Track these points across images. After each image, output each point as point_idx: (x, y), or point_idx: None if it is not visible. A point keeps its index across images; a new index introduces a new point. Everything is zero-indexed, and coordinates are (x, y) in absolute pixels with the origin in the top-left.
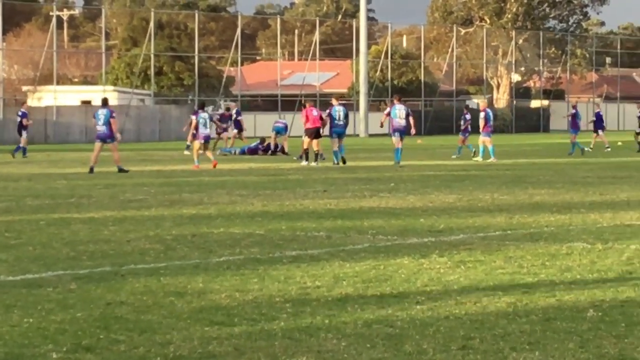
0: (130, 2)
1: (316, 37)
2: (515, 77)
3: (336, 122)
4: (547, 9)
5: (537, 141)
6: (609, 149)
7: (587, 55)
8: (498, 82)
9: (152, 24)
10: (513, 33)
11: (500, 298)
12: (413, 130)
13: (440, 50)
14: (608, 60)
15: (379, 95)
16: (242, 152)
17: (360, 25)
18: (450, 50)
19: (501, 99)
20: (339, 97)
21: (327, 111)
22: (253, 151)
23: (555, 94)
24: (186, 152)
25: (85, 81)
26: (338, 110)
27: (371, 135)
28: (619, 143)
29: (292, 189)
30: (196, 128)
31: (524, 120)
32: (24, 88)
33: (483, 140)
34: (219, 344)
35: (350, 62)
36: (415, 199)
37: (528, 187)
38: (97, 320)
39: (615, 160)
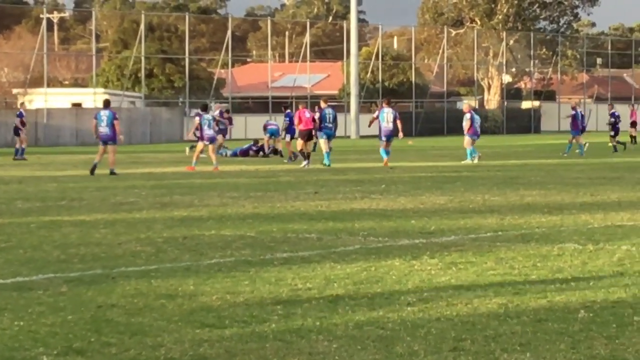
0: (121, 4)
1: (307, 38)
2: (506, 78)
3: (326, 123)
4: (538, 10)
5: (528, 142)
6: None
7: (578, 56)
8: (489, 83)
9: (142, 26)
10: (504, 34)
11: (491, 299)
12: (400, 134)
13: (431, 52)
14: (599, 61)
15: (370, 97)
16: (234, 154)
17: (351, 27)
18: (441, 51)
19: (492, 100)
20: (327, 99)
21: (318, 113)
22: (245, 153)
23: (546, 95)
24: (188, 153)
25: (76, 84)
26: (328, 113)
27: (362, 137)
28: (610, 144)
29: (283, 190)
30: (200, 129)
31: (515, 122)
32: (15, 91)
33: (469, 141)
34: (210, 346)
35: (341, 64)
36: (407, 200)
37: (519, 188)
38: (88, 323)
39: (606, 161)
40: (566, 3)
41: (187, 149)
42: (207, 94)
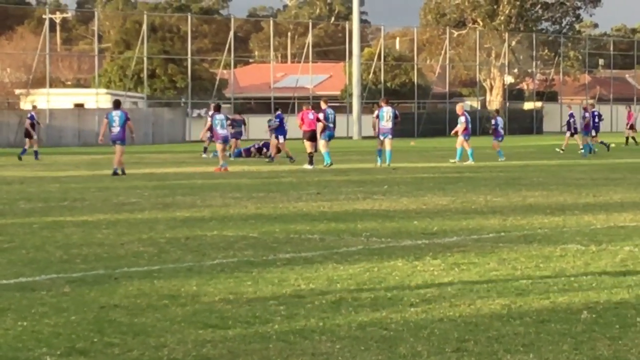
0: (123, 5)
1: (309, 39)
2: (508, 79)
3: (328, 124)
4: (540, 11)
5: (530, 143)
6: (563, 152)
7: (580, 57)
8: (491, 84)
9: (145, 27)
10: (506, 35)
11: (494, 300)
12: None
13: (433, 53)
14: (601, 62)
15: (372, 98)
16: (238, 155)
17: (353, 28)
18: (443, 52)
19: (494, 101)
20: (327, 100)
21: (322, 114)
22: (248, 153)
23: (548, 95)
24: (204, 156)
25: (78, 84)
26: (330, 113)
27: (364, 138)
28: (612, 145)
29: (286, 191)
30: (212, 130)
31: (517, 122)
32: (17, 91)
33: (460, 141)
34: (213, 346)
35: (343, 65)
36: (409, 201)
37: (521, 189)
38: (91, 323)
39: (608, 162)
40: (568, 4)
41: (203, 153)
42: (209, 95)
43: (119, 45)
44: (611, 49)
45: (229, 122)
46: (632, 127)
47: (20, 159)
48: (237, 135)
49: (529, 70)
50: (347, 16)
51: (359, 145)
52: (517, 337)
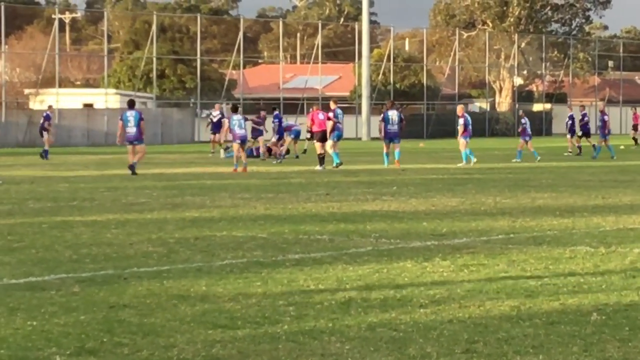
0: (132, 5)
1: (318, 40)
2: (518, 81)
3: (338, 125)
4: (550, 13)
5: (539, 145)
6: (570, 154)
7: (590, 59)
8: (500, 86)
9: (154, 27)
10: (515, 37)
11: (503, 302)
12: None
13: (442, 54)
14: (610, 63)
15: (381, 99)
16: (250, 154)
17: (363, 29)
18: (452, 53)
19: (503, 102)
20: (337, 100)
21: (331, 113)
22: (258, 152)
23: (557, 97)
24: (222, 156)
25: (88, 84)
26: (339, 113)
27: (373, 139)
28: (621, 147)
29: (295, 192)
30: (230, 131)
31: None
32: (26, 91)
33: (464, 143)
34: (223, 347)
35: (352, 66)
36: (418, 202)
37: (531, 191)
38: (101, 323)
39: (618, 164)
40: (578, 6)
41: (222, 151)
42: (218, 95)
43: (128, 46)
44: (621, 50)
45: (253, 120)
46: (635, 128)
47: (43, 157)
48: (259, 134)
49: (539, 72)
50: (357, 17)
51: (368, 146)
52: (526, 338)
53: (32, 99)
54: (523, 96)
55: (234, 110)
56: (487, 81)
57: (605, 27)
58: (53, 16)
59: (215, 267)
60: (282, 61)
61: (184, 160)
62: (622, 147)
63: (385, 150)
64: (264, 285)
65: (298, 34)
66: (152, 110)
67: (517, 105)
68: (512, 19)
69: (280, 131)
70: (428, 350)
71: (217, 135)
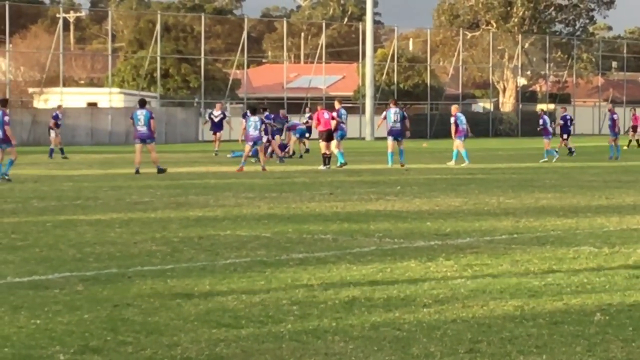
0: (137, 4)
1: (322, 40)
2: (522, 81)
3: (341, 124)
4: (554, 13)
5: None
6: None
7: (593, 60)
8: (504, 86)
9: (158, 27)
10: (519, 37)
11: (507, 302)
12: (408, 133)
13: (446, 54)
14: (614, 64)
15: (385, 99)
16: (255, 154)
17: (367, 29)
18: (456, 53)
19: (507, 102)
20: (341, 100)
21: (335, 113)
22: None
23: (561, 98)
24: (228, 156)
25: (92, 83)
26: (343, 113)
27: (377, 139)
28: (625, 147)
29: (299, 191)
30: (245, 131)
31: (530, 124)
32: (31, 90)
33: (456, 144)
34: (226, 346)
35: (356, 65)
36: (422, 202)
37: (534, 191)
38: (104, 322)
39: (621, 165)
40: (582, 6)
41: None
42: (222, 95)
43: (133, 45)
44: (624, 51)
45: (271, 120)
46: (634, 129)
47: (64, 157)
48: (278, 133)
49: (542, 72)
50: (361, 17)
51: (372, 146)
52: (530, 338)
53: (37, 98)
54: (527, 96)
55: (253, 111)
56: (490, 81)
57: (609, 28)
58: (57, 15)
59: (219, 266)
60: (286, 61)
61: (188, 160)
62: (625, 147)
63: (389, 150)
64: (268, 284)
65: (302, 34)
66: (156, 110)
67: (520, 106)
68: (516, 20)
69: (271, 132)
70: (432, 349)
71: (218, 134)
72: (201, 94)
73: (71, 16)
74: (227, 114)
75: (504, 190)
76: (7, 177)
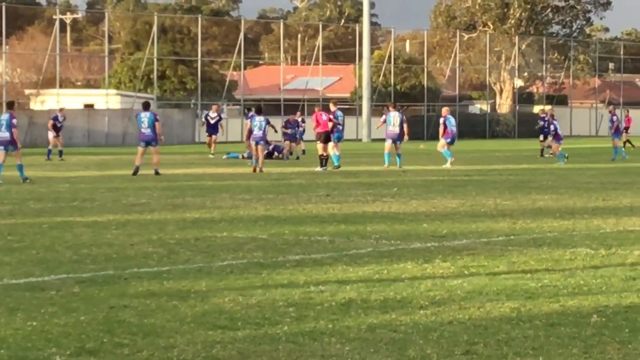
0: (134, 5)
1: (319, 41)
2: (518, 83)
3: (338, 126)
4: (550, 15)
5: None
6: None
7: (590, 61)
8: (501, 88)
9: (155, 28)
10: (516, 38)
11: (503, 303)
12: (406, 137)
13: (443, 56)
14: (611, 65)
15: (382, 100)
16: (250, 157)
17: (364, 30)
18: (453, 55)
19: (504, 104)
20: (336, 102)
21: (331, 115)
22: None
23: (558, 99)
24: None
25: (88, 85)
26: (339, 115)
27: (374, 140)
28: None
29: (295, 193)
30: (250, 131)
31: (527, 126)
32: (27, 91)
33: (443, 144)
34: (223, 348)
35: (353, 67)
36: (418, 203)
37: (531, 193)
38: (101, 323)
39: (618, 166)
40: (578, 7)
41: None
42: (219, 96)
43: (129, 46)
44: (621, 52)
45: (283, 123)
46: (626, 130)
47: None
48: (291, 138)
49: (539, 74)
50: (357, 18)
51: (369, 147)
52: (526, 340)
53: (33, 100)
54: (524, 98)
55: (258, 112)
56: (487, 83)
57: (606, 29)
58: (54, 17)
59: (216, 268)
60: (282, 62)
61: (185, 161)
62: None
63: (386, 150)
64: (264, 286)
65: (299, 35)
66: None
67: (517, 107)
68: (512, 21)
69: (282, 134)
70: (428, 351)
71: (213, 136)
72: (198, 95)
73: (68, 17)
74: (223, 115)
75: (500, 192)
76: (28, 180)
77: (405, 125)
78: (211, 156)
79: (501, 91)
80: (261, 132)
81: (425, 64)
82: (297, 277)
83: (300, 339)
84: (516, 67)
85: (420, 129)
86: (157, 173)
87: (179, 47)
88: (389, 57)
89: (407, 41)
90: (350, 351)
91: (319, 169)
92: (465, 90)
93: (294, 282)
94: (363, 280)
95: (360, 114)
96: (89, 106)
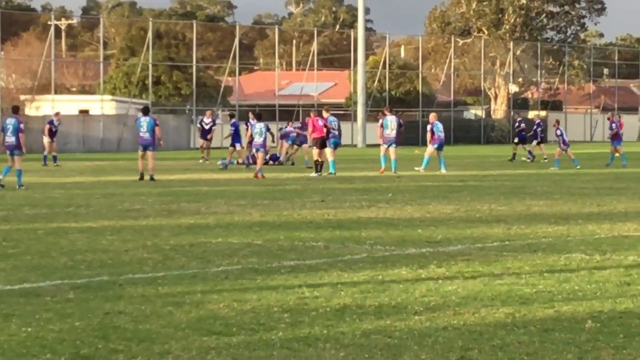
0: (129, 11)
1: (314, 47)
2: (513, 88)
3: (333, 131)
4: (545, 20)
5: (534, 152)
6: (546, 160)
7: (585, 66)
8: (496, 93)
9: (150, 34)
10: (511, 44)
11: (498, 309)
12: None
13: (438, 61)
14: (606, 71)
15: (377, 106)
16: (246, 163)
17: (358, 36)
18: (448, 60)
19: (499, 109)
20: (328, 108)
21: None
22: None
23: (552, 105)
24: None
25: (83, 90)
26: (332, 120)
27: (369, 146)
28: (617, 154)
29: (290, 199)
30: (251, 138)
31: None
32: (22, 97)
33: (430, 151)
34: (217, 353)
35: (348, 72)
36: (413, 209)
37: (526, 198)
38: (96, 329)
39: (612, 172)
40: (573, 13)
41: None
42: (214, 102)
43: (124, 52)
44: (616, 58)
45: (298, 126)
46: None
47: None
48: (305, 140)
49: (534, 79)
50: (352, 24)
51: (364, 153)
52: (521, 346)
53: (28, 105)
54: (518, 103)
55: (258, 118)
56: (482, 88)
57: (601, 35)
58: (49, 22)
59: (211, 273)
60: (277, 68)
61: (180, 167)
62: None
63: (382, 153)
64: (259, 292)
65: (294, 41)
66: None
67: (512, 113)
68: (507, 27)
69: (236, 139)
70: (422, 357)
71: (206, 142)
72: (193, 101)
73: (63, 23)
74: (217, 121)
75: (495, 197)
76: (23, 187)
77: (402, 129)
78: (201, 162)
79: (496, 97)
80: (262, 139)
81: (420, 70)
82: (292, 282)
83: (295, 344)
84: (511, 72)
85: (415, 134)
86: (152, 179)
87: (174, 53)
88: (384, 62)
89: (402, 47)
90: (344, 357)
91: (314, 174)
92: (460, 96)
93: (289, 288)
94: (358, 286)
95: (356, 119)
96: (84, 112)
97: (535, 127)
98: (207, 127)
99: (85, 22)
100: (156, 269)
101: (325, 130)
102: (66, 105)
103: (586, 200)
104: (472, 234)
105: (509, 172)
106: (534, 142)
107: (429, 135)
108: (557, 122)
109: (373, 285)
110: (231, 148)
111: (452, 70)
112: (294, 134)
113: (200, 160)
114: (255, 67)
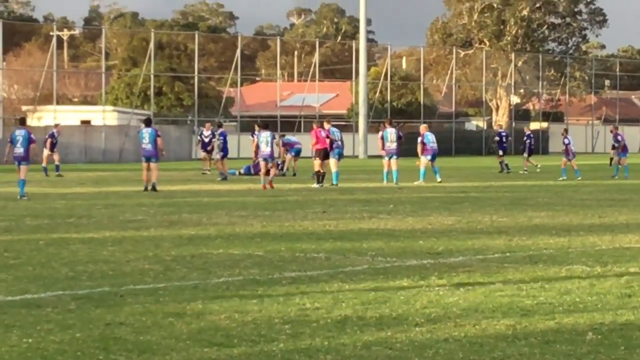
0: (131, 22)
1: (316, 58)
2: (515, 99)
3: (337, 142)
4: (547, 32)
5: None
6: (526, 172)
7: (586, 78)
8: (497, 104)
9: (152, 45)
10: (512, 55)
11: (499, 321)
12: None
13: (439, 72)
14: (607, 82)
15: (379, 117)
16: (247, 171)
17: (360, 47)
18: (449, 72)
19: (500, 121)
20: (329, 119)
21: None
22: (257, 170)
23: (554, 116)
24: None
25: (85, 101)
26: (334, 131)
27: (370, 157)
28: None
29: (291, 210)
30: (258, 147)
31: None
32: (24, 108)
33: (424, 162)
34: None
35: (349, 84)
36: (414, 220)
37: (527, 210)
38: (97, 340)
39: (614, 183)
40: (575, 25)
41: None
42: (216, 113)
43: (126, 63)
44: (617, 69)
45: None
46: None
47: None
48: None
49: (535, 91)
50: (354, 35)
51: (365, 164)
52: (522, 357)
53: (30, 116)
54: (520, 114)
55: (264, 127)
56: (484, 99)
57: (602, 46)
58: (51, 33)
59: (212, 285)
60: (279, 79)
61: (181, 178)
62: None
63: (385, 169)
64: (260, 303)
65: (295, 52)
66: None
67: (513, 124)
68: (509, 38)
69: (225, 149)
70: None
71: (207, 154)
72: (194, 112)
73: (65, 34)
74: (217, 134)
75: (496, 209)
76: (25, 197)
77: (401, 141)
78: (203, 173)
79: (497, 108)
80: (269, 148)
81: (422, 81)
82: (293, 294)
83: (296, 356)
84: (512, 84)
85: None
86: (154, 189)
87: (175, 64)
88: (386, 73)
89: (404, 58)
90: None
91: (315, 185)
92: (462, 107)
93: (290, 299)
94: (359, 297)
95: (357, 130)
96: (86, 122)
97: (525, 138)
98: (206, 140)
99: (87, 33)
100: (157, 280)
101: (328, 141)
102: (68, 115)
103: (587, 211)
104: (473, 245)
105: (510, 184)
106: (525, 154)
107: (419, 146)
108: (566, 131)
109: (374, 296)
110: (288, 156)
111: (453, 81)
112: (299, 146)
113: (203, 173)
114: (257, 78)
